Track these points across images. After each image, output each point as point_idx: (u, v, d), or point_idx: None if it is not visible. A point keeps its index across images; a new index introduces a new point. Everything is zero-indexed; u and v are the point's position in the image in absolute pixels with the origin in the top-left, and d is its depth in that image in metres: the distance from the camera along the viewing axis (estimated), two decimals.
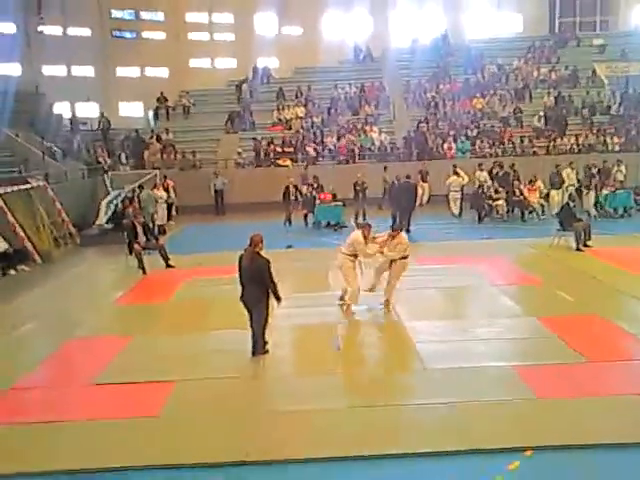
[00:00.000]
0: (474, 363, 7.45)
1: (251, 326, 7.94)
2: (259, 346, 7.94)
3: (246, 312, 7.94)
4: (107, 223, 17.88)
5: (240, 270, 7.92)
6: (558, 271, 12.15)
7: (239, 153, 24.14)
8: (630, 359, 7.63)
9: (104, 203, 18.67)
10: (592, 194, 18.59)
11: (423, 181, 20.06)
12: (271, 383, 7.34)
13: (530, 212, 18.74)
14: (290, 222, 18.92)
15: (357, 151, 23.95)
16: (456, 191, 19.54)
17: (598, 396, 6.47)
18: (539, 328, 8.63)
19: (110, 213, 18.17)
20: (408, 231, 17.06)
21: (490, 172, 20.09)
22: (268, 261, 7.78)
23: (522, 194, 18.78)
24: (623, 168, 20.14)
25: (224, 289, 11.41)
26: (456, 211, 19.53)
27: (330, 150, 24.55)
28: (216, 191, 22.33)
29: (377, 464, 5.42)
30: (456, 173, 19.69)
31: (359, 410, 6.38)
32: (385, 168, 20.83)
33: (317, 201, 19.01)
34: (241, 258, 7.95)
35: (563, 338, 8.13)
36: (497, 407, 6.33)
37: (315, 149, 24.34)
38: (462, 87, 27.40)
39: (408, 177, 17.89)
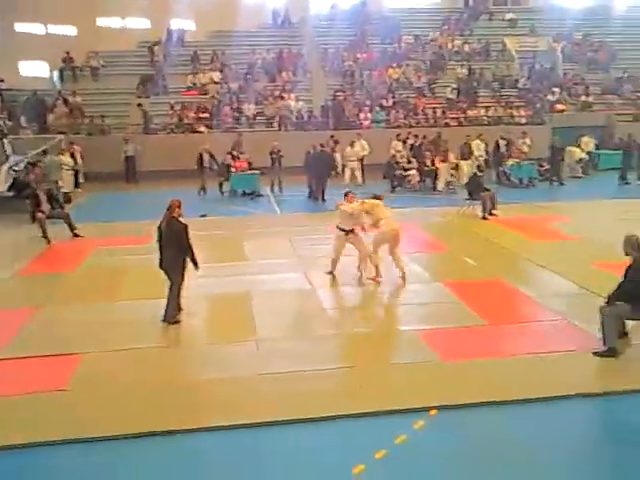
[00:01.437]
0: (382, 327, 7.69)
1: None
2: (170, 313, 7.90)
3: (166, 278, 7.92)
4: (8, 191, 16.89)
5: (159, 235, 7.88)
6: (465, 238, 12.66)
7: (151, 118, 23.33)
8: (528, 321, 8.11)
9: (4, 169, 17.59)
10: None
11: (332, 151, 20.19)
12: (184, 352, 7.29)
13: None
14: (205, 190, 18.61)
15: (278, 118, 23.75)
16: (352, 161, 19.82)
17: (498, 357, 6.84)
18: (445, 293, 9.00)
19: (11, 180, 17.17)
20: (324, 199, 17.25)
21: (404, 142, 20.50)
22: (186, 226, 7.82)
23: (434, 164, 19.30)
24: (528, 140, 21.05)
25: (134, 259, 11.19)
26: (353, 180, 19.68)
27: (247, 117, 24.21)
28: (127, 158, 21.56)
29: (288, 429, 5.52)
30: (351, 144, 19.92)
31: (271, 377, 6.46)
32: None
33: (232, 169, 18.77)
34: (160, 223, 7.92)
35: (467, 302, 8.52)
36: (402, 369, 6.59)
37: (234, 116, 23.95)
38: (379, 56, 27.58)
39: (323, 146, 17.94)
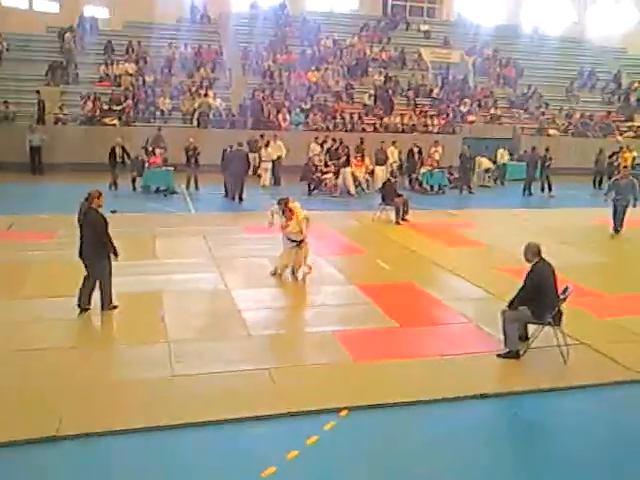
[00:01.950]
0: (297, 329, 7.72)
1: (83, 284, 7.94)
2: (107, 300, 7.99)
3: (84, 269, 7.91)
4: None
5: (79, 226, 7.93)
6: (378, 242, 12.93)
7: (60, 108, 22.30)
8: (437, 323, 8.40)
9: None
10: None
11: (251, 151, 20.13)
12: (92, 353, 6.98)
13: (357, 186, 19.63)
14: (116, 186, 18.00)
15: (197, 115, 23.32)
16: (266, 162, 19.88)
17: (409, 358, 7.02)
18: (358, 295, 9.16)
19: None
20: (241, 200, 17.11)
21: (322, 145, 20.68)
22: (103, 217, 7.85)
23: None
24: (440, 149, 21.80)
25: (40, 254, 10.67)
26: (267, 182, 19.80)
27: (162, 112, 23.63)
28: (32, 148, 20.48)
29: (198, 431, 5.43)
30: (266, 145, 19.97)
31: (184, 379, 6.32)
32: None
33: (146, 165, 18.26)
34: (79, 214, 7.96)
35: (380, 304, 8.70)
36: (315, 371, 6.63)
37: (149, 110, 23.31)
38: (298, 59, 27.71)
39: (240, 145, 17.80)
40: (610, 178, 18.49)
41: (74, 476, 4.87)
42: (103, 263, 7.90)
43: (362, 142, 20.90)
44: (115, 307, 8.12)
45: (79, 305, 7.98)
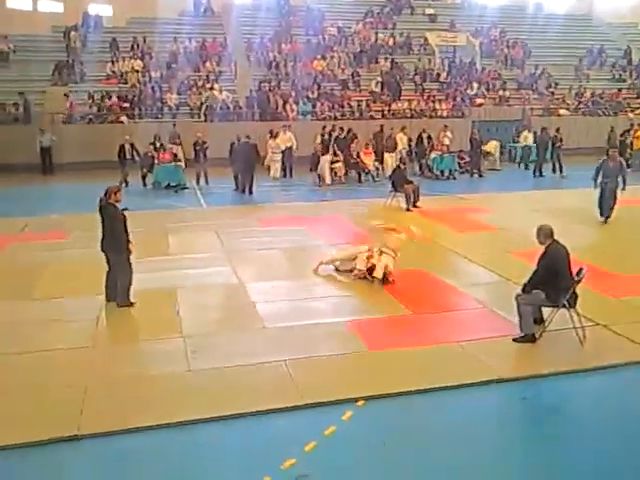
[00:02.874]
0: (311, 320, 7.74)
1: (107, 278, 8.24)
2: (123, 296, 8.12)
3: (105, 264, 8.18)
4: None
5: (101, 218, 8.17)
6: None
7: (70, 106, 22.38)
8: (451, 310, 8.36)
9: None
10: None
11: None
12: (108, 351, 7.04)
13: (366, 174, 19.59)
14: (127, 183, 18.04)
15: (204, 109, 23.32)
16: (275, 153, 19.70)
17: (424, 346, 7.01)
18: (371, 284, 9.13)
19: None
20: (251, 192, 17.13)
21: (330, 134, 20.58)
22: (120, 212, 8.05)
23: (359, 157, 19.54)
24: (449, 133, 21.65)
25: (54, 255, 10.76)
26: (277, 174, 19.70)
27: (170, 107, 23.66)
28: (42, 149, 20.59)
29: (216, 425, 5.47)
30: (275, 136, 19.82)
31: (200, 373, 6.37)
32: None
33: (156, 161, 18.31)
34: (99, 208, 8.19)
35: (392, 293, 8.70)
36: (331, 361, 6.64)
37: (157, 106, 23.37)
38: (303, 48, 27.58)
39: (248, 137, 17.80)
40: (622, 155, 18.25)
41: (95, 475, 4.92)
42: (120, 257, 8.06)
43: (382, 129, 20.78)
44: (131, 304, 8.19)
45: (108, 300, 8.25)
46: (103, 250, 8.17)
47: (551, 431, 5.51)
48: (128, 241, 8.11)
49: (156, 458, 5.09)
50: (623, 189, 13.07)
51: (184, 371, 6.42)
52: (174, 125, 20.65)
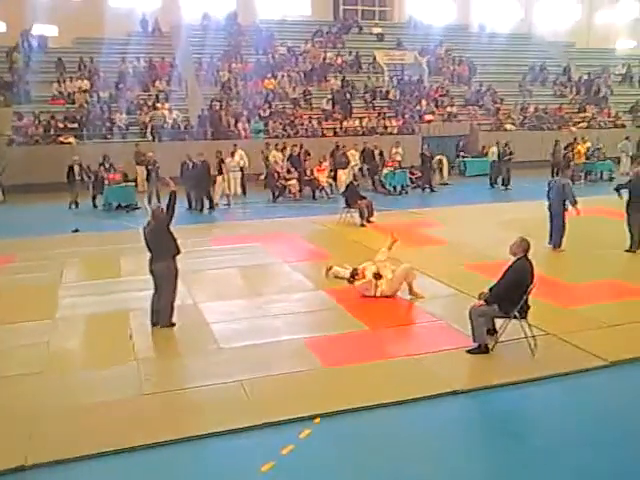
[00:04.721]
0: (267, 339, 7.67)
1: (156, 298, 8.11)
2: (165, 316, 7.97)
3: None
4: None
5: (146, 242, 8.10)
6: (343, 246, 12.95)
7: (13, 128, 21.81)
8: (406, 324, 8.46)
9: None
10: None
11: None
12: (60, 378, 6.78)
13: (320, 191, 19.69)
14: (77, 204, 17.67)
15: (150, 129, 23.05)
16: (235, 171, 19.62)
17: (378, 360, 7.04)
18: (327, 300, 9.16)
19: None
20: (211, 209, 17.07)
21: (282, 152, 20.65)
22: (165, 221, 8.00)
23: (312, 174, 19.65)
24: (400, 149, 22.01)
25: (6, 280, 10.39)
26: (238, 190, 19.60)
27: (119, 127, 23.31)
28: None
29: (172, 449, 5.35)
30: (232, 154, 19.79)
31: (154, 397, 6.23)
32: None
33: (106, 182, 17.99)
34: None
35: (348, 309, 8.73)
36: (286, 380, 6.59)
37: (106, 126, 22.99)
38: (254, 67, 27.65)
39: (201, 155, 17.69)
40: (568, 168, 18.85)
41: None
42: (172, 279, 8.06)
43: (338, 147, 20.93)
44: (173, 324, 8.09)
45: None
46: (151, 270, 8.10)
47: (508, 439, 5.59)
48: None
49: None
50: (571, 205, 11.77)
51: (138, 395, 6.27)
52: (136, 145, 20.43)
